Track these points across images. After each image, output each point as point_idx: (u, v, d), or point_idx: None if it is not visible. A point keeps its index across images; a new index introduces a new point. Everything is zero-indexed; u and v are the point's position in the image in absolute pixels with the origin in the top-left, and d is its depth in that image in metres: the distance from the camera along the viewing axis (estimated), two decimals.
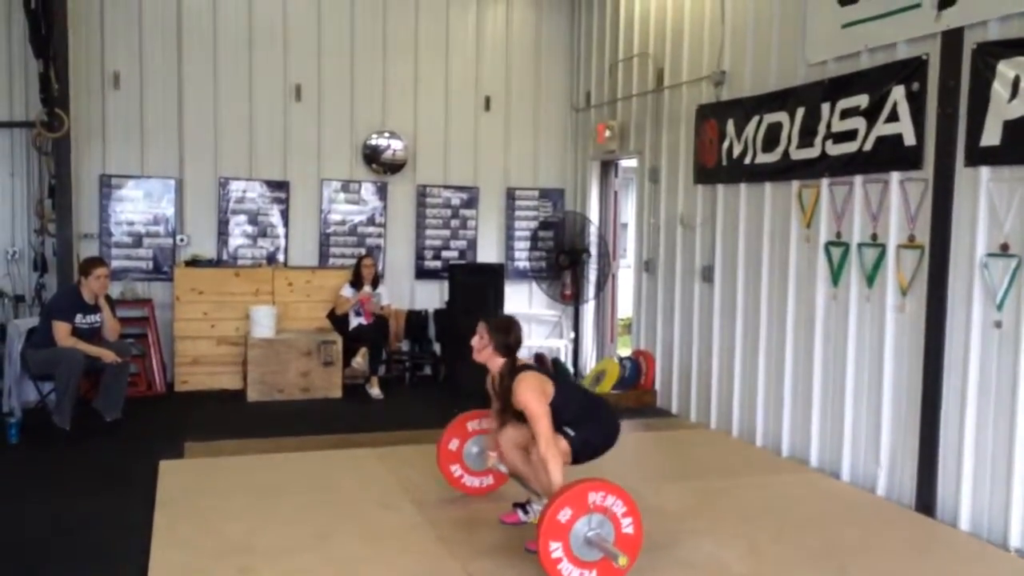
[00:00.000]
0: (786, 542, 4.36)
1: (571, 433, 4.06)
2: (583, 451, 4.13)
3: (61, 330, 6.28)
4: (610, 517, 3.65)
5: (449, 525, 4.44)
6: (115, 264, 8.10)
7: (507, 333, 4.20)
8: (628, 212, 10.15)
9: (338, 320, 8.13)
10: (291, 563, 3.95)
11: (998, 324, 4.44)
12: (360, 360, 7.89)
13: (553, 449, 3.86)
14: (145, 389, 7.78)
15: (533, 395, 3.97)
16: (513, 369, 4.11)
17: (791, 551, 4.25)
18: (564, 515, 3.58)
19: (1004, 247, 4.40)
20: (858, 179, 5.37)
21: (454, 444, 4.83)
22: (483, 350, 4.21)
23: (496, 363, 4.19)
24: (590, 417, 4.21)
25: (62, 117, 7.21)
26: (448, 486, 4.86)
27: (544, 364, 4.07)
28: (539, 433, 3.90)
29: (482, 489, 4.90)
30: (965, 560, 4.27)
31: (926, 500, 4.84)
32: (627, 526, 3.68)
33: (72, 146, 7.51)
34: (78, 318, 6.39)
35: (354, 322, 8.08)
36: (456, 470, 4.86)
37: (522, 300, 9.40)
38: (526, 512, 4.41)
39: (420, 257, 9.17)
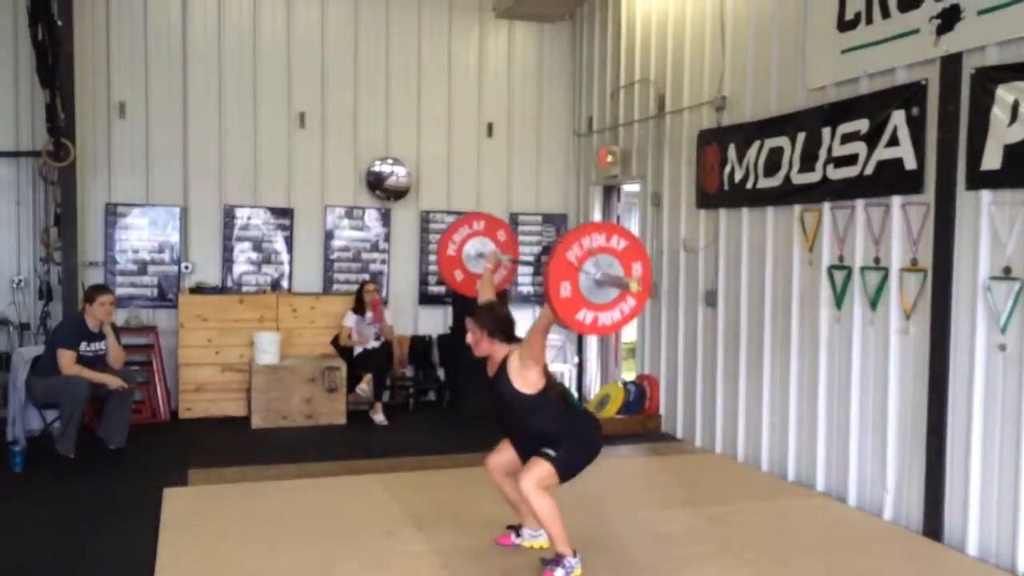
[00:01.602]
0: (792, 568, 4.33)
1: (552, 454, 4.00)
2: (567, 471, 4.08)
3: (66, 358, 6.30)
4: (617, 256, 3.75)
5: (454, 553, 4.42)
6: (120, 292, 8.13)
7: (492, 315, 4.22)
8: None
9: (342, 346, 8.13)
10: None
11: (1002, 347, 4.44)
12: (364, 386, 7.88)
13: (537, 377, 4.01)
14: (149, 416, 7.78)
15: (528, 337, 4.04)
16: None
17: None
18: (572, 255, 3.71)
19: (1007, 270, 4.40)
20: (859, 203, 5.39)
21: (452, 248, 4.91)
22: (480, 343, 4.20)
23: (501, 351, 4.16)
24: (573, 432, 4.14)
25: (68, 146, 7.28)
26: (451, 511, 4.84)
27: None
28: (536, 328, 4.02)
29: (460, 284, 5.06)
30: None
31: (933, 524, 4.81)
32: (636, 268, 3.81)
33: (78, 175, 7.58)
34: (83, 346, 6.41)
35: (359, 348, 8.08)
36: (458, 274, 5.00)
37: (526, 325, 9.31)
38: (519, 535, 4.45)
39: (424, 283, 9.19)
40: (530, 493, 3.95)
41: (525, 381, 4.07)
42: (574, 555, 4.05)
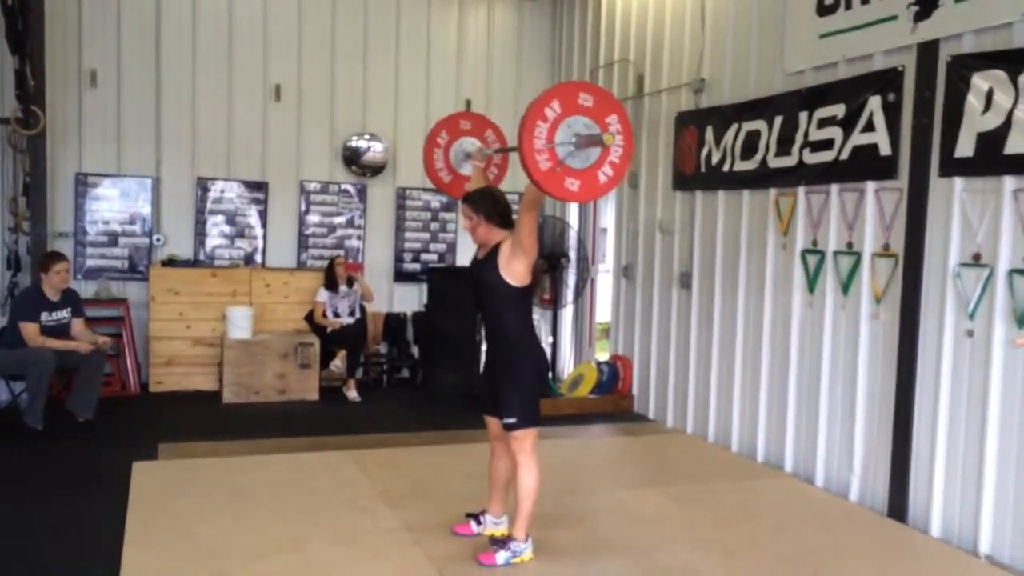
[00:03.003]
0: (760, 547, 4.39)
1: (513, 421, 3.96)
2: (531, 414, 4.02)
3: (29, 331, 6.23)
4: (588, 114, 3.61)
5: (425, 529, 4.43)
6: (90, 263, 8.04)
7: (489, 197, 4.08)
8: (607, 217, 10.17)
9: (316, 323, 8.09)
10: (265, 566, 3.93)
11: (970, 333, 4.50)
12: (338, 363, 7.86)
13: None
14: (119, 389, 7.71)
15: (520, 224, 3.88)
16: None
17: (765, 556, 4.28)
18: (540, 133, 3.53)
19: (976, 257, 4.46)
20: (834, 188, 5.42)
21: (443, 137, 4.76)
22: (477, 228, 4.04)
23: (496, 236, 4.03)
24: (527, 349, 4.10)
25: (38, 114, 7.14)
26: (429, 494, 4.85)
27: None
28: (523, 206, 3.86)
29: (448, 185, 4.89)
30: (935, 566, 4.32)
31: (898, 506, 4.89)
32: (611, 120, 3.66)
33: (47, 144, 7.42)
34: (44, 316, 6.34)
35: (331, 315, 8.05)
36: (439, 162, 4.79)
37: None
38: (479, 523, 4.38)
39: (399, 260, 9.15)
40: (524, 467, 3.97)
41: (512, 272, 3.93)
42: (526, 540, 4.04)
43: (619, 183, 3.77)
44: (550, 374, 4.18)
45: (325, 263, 8.47)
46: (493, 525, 4.34)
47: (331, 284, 8.10)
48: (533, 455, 4.03)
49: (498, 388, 4.08)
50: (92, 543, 4.23)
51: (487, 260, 4.03)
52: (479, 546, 4.17)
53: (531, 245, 3.90)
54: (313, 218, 8.80)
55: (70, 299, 6.59)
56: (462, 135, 4.79)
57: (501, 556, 4.00)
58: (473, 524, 4.38)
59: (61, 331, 6.43)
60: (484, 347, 4.32)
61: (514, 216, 4.07)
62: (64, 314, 6.47)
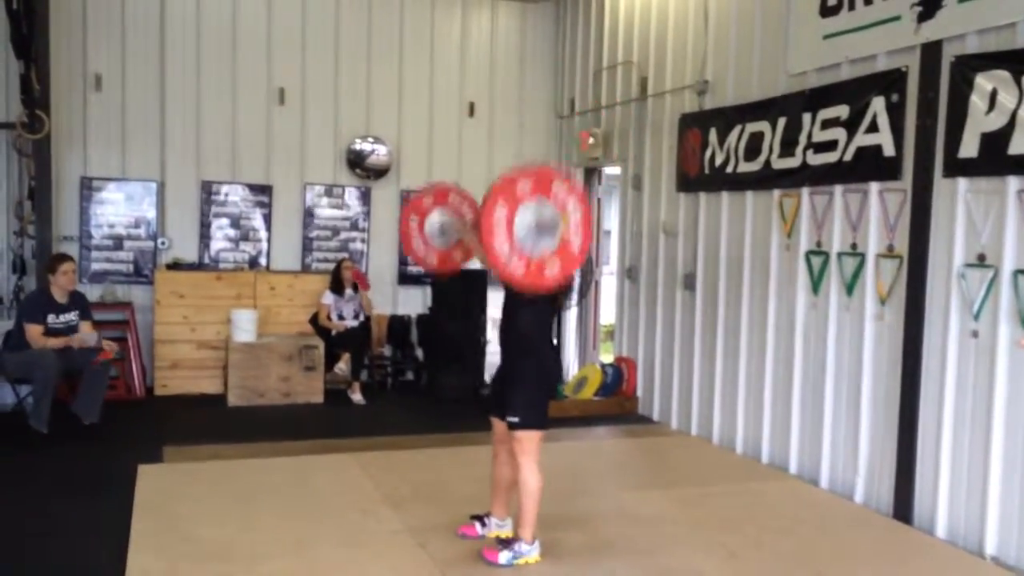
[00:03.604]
0: (764, 549, 4.38)
1: (516, 420, 3.98)
2: (538, 416, 4.05)
3: (33, 332, 6.24)
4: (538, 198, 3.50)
5: (430, 532, 4.43)
6: (95, 267, 8.06)
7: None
8: (611, 219, 10.18)
9: (320, 325, 8.10)
10: (269, 569, 3.93)
11: (975, 334, 4.49)
12: (343, 365, 7.87)
13: None
14: (124, 393, 7.72)
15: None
16: None
17: (769, 558, 4.27)
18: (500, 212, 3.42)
19: (981, 257, 4.45)
20: (838, 189, 5.42)
21: (414, 220, 4.65)
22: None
23: None
24: (540, 355, 4.14)
25: (43, 118, 7.17)
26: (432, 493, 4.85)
27: None
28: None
29: (439, 265, 4.70)
30: (941, 567, 4.31)
31: (903, 508, 4.88)
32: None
33: (53, 148, 7.46)
34: (51, 318, 6.35)
35: (335, 319, 8.06)
36: (420, 251, 4.67)
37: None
38: (484, 525, 4.38)
39: (403, 263, 9.15)
40: (526, 468, 3.98)
41: None
42: (532, 542, 4.04)
43: (592, 233, 3.70)
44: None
45: (329, 266, 8.49)
46: (498, 527, 4.35)
47: (337, 287, 8.11)
48: (535, 458, 4.03)
49: (506, 388, 4.11)
50: (97, 546, 4.23)
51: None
52: (484, 547, 4.16)
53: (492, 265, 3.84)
54: (317, 221, 8.81)
55: (78, 302, 6.61)
56: (429, 210, 4.68)
57: (504, 556, 4.01)
58: (478, 526, 4.38)
59: (70, 334, 6.44)
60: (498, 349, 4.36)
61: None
62: (72, 316, 6.49)
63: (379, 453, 5.97)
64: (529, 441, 4.01)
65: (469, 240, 4.36)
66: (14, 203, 7.66)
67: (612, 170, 8.70)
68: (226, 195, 8.49)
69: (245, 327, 7.72)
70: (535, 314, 4.10)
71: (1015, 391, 4.31)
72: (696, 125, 6.81)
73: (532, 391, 4.07)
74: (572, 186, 3.74)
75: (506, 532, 4.29)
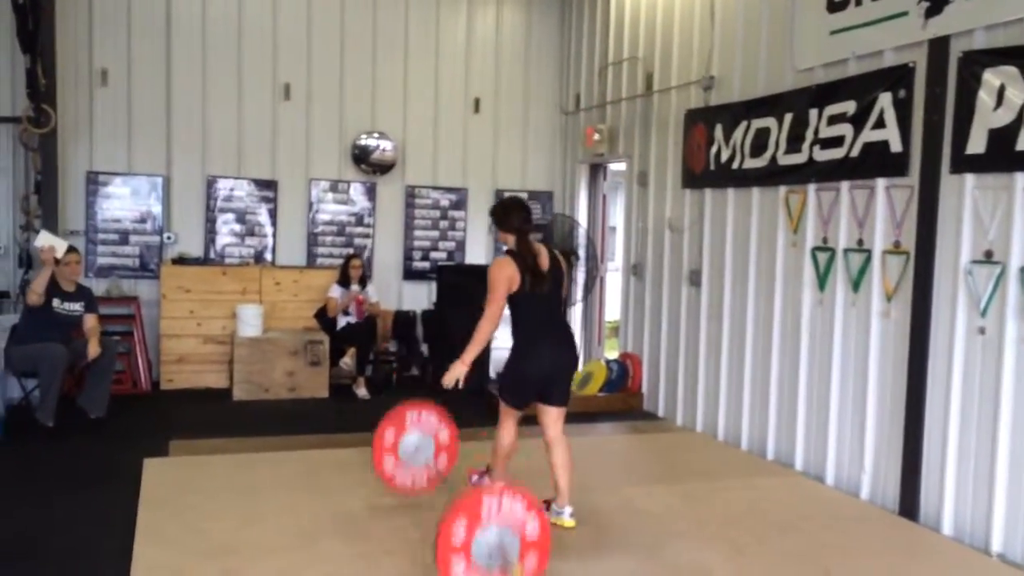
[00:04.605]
0: (770, 545, 4.38)
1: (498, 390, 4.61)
2: (510, 396, 4.53)
3: (32, 296, 6.23)
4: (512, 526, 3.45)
5: (434, 526, 4.41)
6: (101, 261, 8.08)
7: (504, 214, 4.54)
8: (616, 215, 10.17)
9: (326, 320, 8.11)
10: (275, 563, 3.94)
11: (982, 330, 4.48)
12: (348, 360, 7.88)
13: (486, 324, 4.34)
14: (130, 387, 7.74)
15: (493, 274, 4.38)
16: (517, 243, 4.44)
17: (774, 554, 4.27)
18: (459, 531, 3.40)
19: (988, 254, 4.44)
20: (844, 185, 5.40)
21: (390, 436, 4.82)
22: (499, 234, 4.63)
23: (508, 240, 4.53)
24: (520, 354, 4.49)
25: (49, 113, 7.19)
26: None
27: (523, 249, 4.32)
28: (486, 306, 4.35)
29: (412, 489, 4.82)
30: (947, 564, 4.31)
31: (909, 505, 4.87)
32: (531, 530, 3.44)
33: (59, 142, 7.49)
34: (56, 303, 6.37)
35: (342, 321, 8.07)
36: (389, 465, 4.79)
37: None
38: (548, 508, 4.42)
39: (408, 258, 9.17)
40: (499, 425, 4.56)
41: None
42: (485, 473, 4.72)
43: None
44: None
45: (334, 262, 8.50)
46: (555, 514, 4.47)
47: (345, 281, 8.12)
48: (504, 422, 4.55)
49: None
50: (103, 540, 4.25)
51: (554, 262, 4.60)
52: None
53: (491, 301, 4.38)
54: (323, 216, 8.82)
55: (85, 294, 6.62)
56: (402, 434, 4.91)
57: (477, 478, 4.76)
58: (475, 476, 4.94)
59: (73, 323, 6.46)
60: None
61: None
62: (77, 306, 6.50)
63: None
64: (503, 406, 4.55)
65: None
66: (20, 197, 7.68)
67: (617, 166, 8.70)
68: (231, 190, 8.50)
69: (251, 322, 7.73)
70: (514, 314, 4.53)
71: (1022, 387, 4.30)
72: (702, 121, 6.80)
73: (510, 373, 4.55)
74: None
75: (563, 520, 4.44)
